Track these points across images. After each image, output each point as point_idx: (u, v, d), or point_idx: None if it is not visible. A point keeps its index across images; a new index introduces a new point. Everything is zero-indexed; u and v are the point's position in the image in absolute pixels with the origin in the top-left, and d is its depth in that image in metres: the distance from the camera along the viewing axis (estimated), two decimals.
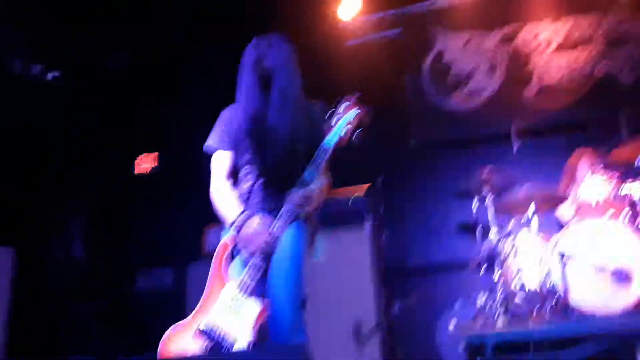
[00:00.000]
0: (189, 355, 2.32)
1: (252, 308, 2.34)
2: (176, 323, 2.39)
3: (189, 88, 5.54)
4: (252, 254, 2.39)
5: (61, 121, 5.27)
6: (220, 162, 2.60)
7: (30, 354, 4.17)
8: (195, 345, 2.32)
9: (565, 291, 3.52)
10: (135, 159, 5.50)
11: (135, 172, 5.47)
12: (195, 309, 2.41)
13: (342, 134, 2.45)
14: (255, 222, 2.41)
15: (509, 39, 5.46)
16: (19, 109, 4.86)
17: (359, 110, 2.49)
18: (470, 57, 5.60)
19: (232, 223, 2.45)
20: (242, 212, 2.46)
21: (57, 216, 5.05)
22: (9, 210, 4.58)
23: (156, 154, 5.58)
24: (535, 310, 3.66)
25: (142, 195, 5.36)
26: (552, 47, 5.30)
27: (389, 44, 5.83)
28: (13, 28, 4.77)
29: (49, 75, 5.47)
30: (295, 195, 2.39)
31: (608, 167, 4.11)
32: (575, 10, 5.28)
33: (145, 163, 5.57)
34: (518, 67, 5.37)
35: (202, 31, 5.47)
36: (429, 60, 5.71)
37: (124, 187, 5.47)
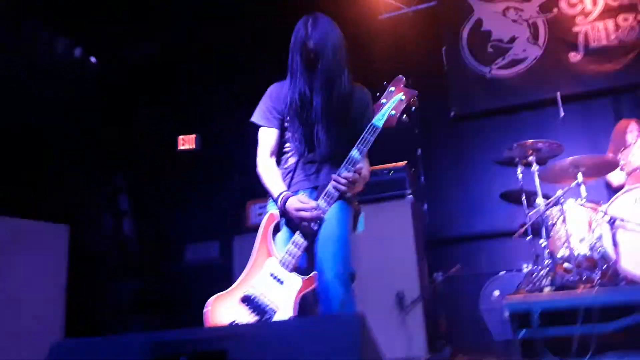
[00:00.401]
0: (233, 320, 2.36)
1: (295, 282, 2.38)
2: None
3: (227, 69, 5.58)
4: (295, 231, 2.42)
5: (109, 100, 5.39)
6: (265, 138, 2.62)
7: (87, 327, 4.34)
8: (239, 311, 2.37)
9: (616, 258, 3.43)
10: (179, 136, 5.61)
11: (177, 150, 5.59)
12: (240, 277, 2.45)
13: (392, 114, 2.41)
14: (299, 200, 2.43)
15: (549, 6, 5.30)
16: (56, 86, 4.98)
17: (409, 92, 2.44)
18: (509, 25, 5.47)
19: (276, 199, 2.48)
20: (287, 188, 2.49)
21: (106, 193, 5.20)
22: (62, 187, 4.72)
23: (195, 135, 5.69)
24: (584, 278, 3.59)
25: (187, 171, 5.49)
26: (595, 14, 5.12)
27: (425, 16, 5.74)
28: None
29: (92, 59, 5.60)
30: (340, 177, 2.37)
31: None
32: None
33: (186, 143, 5.68)
34: (562, 32, 5.21)
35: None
36: (467, 29, 5.60)
37: (170, 164, 5.59)
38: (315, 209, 2.38)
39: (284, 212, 2.46)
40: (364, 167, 2.49)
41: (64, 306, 4.31)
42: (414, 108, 2.48)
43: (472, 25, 5.58)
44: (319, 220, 2.39)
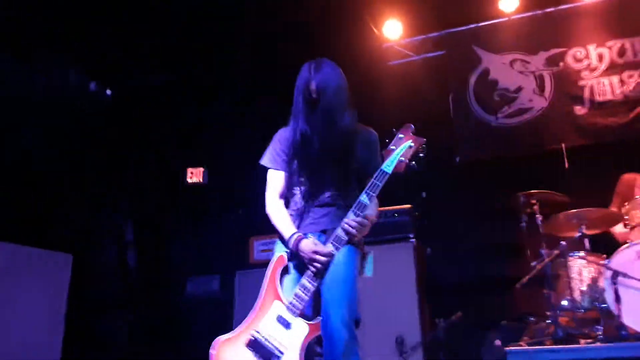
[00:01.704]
0: None
1: (301, 327, 2.39)
2: (230, 332, 2.44)
3: (234, 104, 5.67)
4: (303, 275, 2.43)
5: (115, 133, 5.46)
6: (274, 180, 2.65)
7: (83, 357, 4.28)
8: (245, 355, 2.37)
9: (619, 312, 3.41)
10: (185, 170, 5.64)
11: (185, 183, 5.62)
12: (247, 320, 2.46)
13: (400, 160, 2.42)
14: (309, 244, 2.44)
15: (555, 60, 5.41)
16: (67, 117, 5.05)
17: (418, 140, 2.47)
18: (516, 76, 5.57)
19: (288, 240, 2.49)
20: (296, 231, 2.50)
21: (111, 224, 5.21)
22: (68, 215, 4.74)
23: (203, 168, 5.73)
24: (587, 330, 3.57)
25: (192, 205, 5.50)
26: (601, 70, 5.23)
27: (433, 64, 5.87)
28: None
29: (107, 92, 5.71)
30: (351, 221, 2.38)
31: None
32: (620, 35, 5.20)
33: (194, 176, 5.73)
34: (568, 85, 5.31)
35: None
36: (474, 77, 5.70)
37: (175, 196, 5.62)
38: (330, 254, 2.38)
39: (295, 253, 2.47)
40: (373, 210, 2.49)
41: (62, 335, 4.28)
42: (422, 155, 2.50)
43: (479, 74, 5.69)
44: (322, 269, 2.39)
